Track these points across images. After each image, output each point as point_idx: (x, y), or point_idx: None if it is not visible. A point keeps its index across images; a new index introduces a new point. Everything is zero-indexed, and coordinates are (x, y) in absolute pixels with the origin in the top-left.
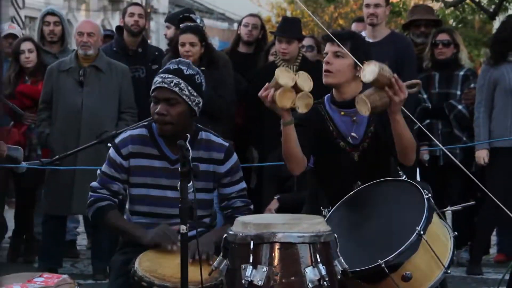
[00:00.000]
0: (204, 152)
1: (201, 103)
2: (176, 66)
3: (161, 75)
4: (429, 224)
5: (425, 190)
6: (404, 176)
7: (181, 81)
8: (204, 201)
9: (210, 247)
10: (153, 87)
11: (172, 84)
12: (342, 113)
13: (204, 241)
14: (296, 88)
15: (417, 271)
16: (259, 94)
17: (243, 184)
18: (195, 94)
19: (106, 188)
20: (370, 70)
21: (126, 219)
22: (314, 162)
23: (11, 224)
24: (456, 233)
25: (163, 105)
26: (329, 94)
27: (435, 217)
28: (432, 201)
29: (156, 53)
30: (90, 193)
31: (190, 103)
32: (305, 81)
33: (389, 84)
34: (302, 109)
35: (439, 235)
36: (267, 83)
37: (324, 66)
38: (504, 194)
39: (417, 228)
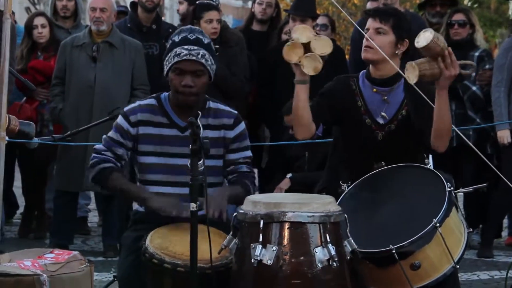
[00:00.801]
0: (214, 119)
1: (215, 69)
2: (194, 36)
3: (185, 46)
4: (446, 218)
5: (448, 183)
6: (430, 165)
7: (205, 52)
8: (215, 167)
9: (223, 204)
10: (177, 59)
11: (199, 56)
12: (374, 90)
13: (216, 197)
14: (308, 48)
15: (427, 262)
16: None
17: (249, 153)
18: (213, 62)
19: (110, 151)
20: (425, 36)
21: (133, 182)
22: (336, 137)
23: (21, 200)
24: (471, 229)
25: (190, 77)
26: (365, 70)
27: (454, 211)
28: (454, 195)
29: (170, 30)
30: (94, 154)
31: (211, 72)
32: (321, 46)
33: (442, 56)
34: (308, 70)
35: (455, 230)
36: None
37: (365, 42)
38: None
39: (434, 219)
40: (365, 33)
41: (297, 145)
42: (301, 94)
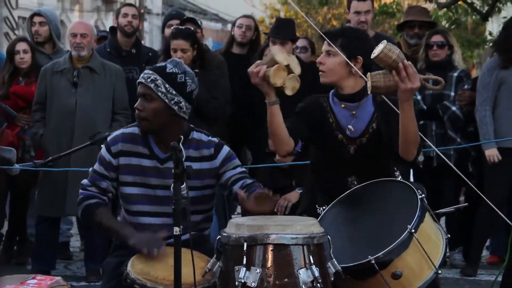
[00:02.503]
0: (194, 151)
1: (182, 103)
2: (162, 64)
3: (145, 71)
4: (421, 223)
5: (419, 191)
6: (400, 177)
7: (158, 78)
8: (201, 197)
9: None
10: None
11: (148, 80)
12: (343, 105)
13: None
14: (288, 70)
15: (408, 270)
16: (249, 69)
17: (243, 169)
18: (174, 92)
19: (95, 186)
20: (377, 48)
21: (115, 218)
22: (311, 156)
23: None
24: (449, 236)
25: (140, 101)
26: (334, 90)
27: (428, 218)
28: (426, 202)
29: (150, 54)
30: (80, 190)
31: (166, 100)
32: (296, 65)
33: (396, 68)
34: (289, 91)
35: (431, 235)
36: (258, 60)
37: (319, 66)
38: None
39: (408, 226)
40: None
41: (281, 176)
42: (277, 113)
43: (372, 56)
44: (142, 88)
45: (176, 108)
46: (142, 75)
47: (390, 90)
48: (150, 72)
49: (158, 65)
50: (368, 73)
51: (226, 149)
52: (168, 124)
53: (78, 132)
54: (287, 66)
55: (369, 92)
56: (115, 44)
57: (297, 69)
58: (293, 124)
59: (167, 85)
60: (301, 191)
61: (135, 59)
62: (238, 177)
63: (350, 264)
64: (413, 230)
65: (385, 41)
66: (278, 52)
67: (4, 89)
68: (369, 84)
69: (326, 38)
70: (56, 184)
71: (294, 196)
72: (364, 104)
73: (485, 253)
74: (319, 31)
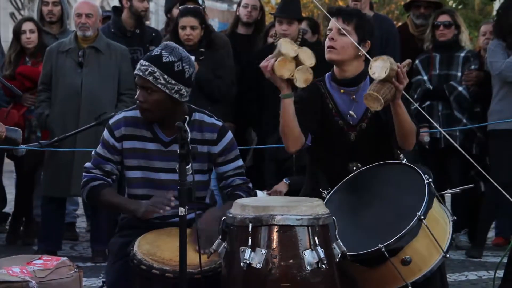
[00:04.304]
0: (197, 133)
1: (184, 90)
2: (158, 52)
3: (141, 61)
4: (429, 209)
5: (426, 175)
6: (405, 159)
7: (156, 70)
8: (199, 182)
9: (215, 231)
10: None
11: (146, 73)
12: (342, 91)
13: (206, 229)
14: (297, 61)
15: (417, 255)
16: (260, 64)
17: (240, 162)
18: (173, 82)
19: (99, 168)
20: (381, 66)
21: (121, 196)
22: (312, 140)
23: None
24: (455, 217)
25: (141, 92)
26: (330, 72)
27: (435, 202)
28: (433, 186)
29: (153, 34)
30: (84, 173)
31: (167, 91)
32: (308, 57)
33: (396, 74)
34: (300, 83)
35: (439, 220)
36: (269, 55)
37: (328, 42)
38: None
39: (417, 213)
40: (328, 33)
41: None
42: (290, 108)
43: (378, 76)
44: (140, 80)
45: (177, 96)
46: (139, 66)
47: (393, 96)
48: (147, 63)
49: (153, 54)
50: (370, 92)
51: (228, 137)
52: (171, 111)
53: (83, 113)
54: (295, 58)
55: (378, 109)
56: (120, 24)
57: (308, 60)
58: (301, 120)
59: (165, 76)
60: (288, 181)
61: (140, 39)
62: (233, 174)
63: (360, 252)
64: (422, 217)
65: (380, 57)
66: (284, 44)
67: (11, 69)
68: (381, 103)
69: (338, 24)
70: (62, 165)
71: (283, 186)
72: (363, 88)
73: (490, 234)
74: (327, 14)
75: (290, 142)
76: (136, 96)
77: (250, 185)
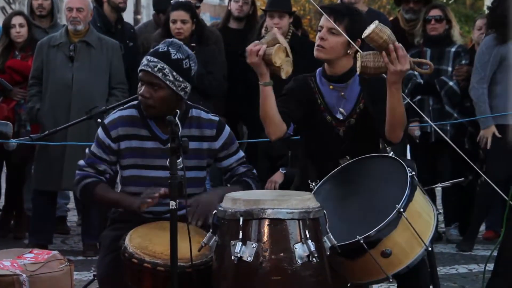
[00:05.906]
0: (196, 130)
1: (188, 87)
2: (165, 49)
3: (148, 57)
4: (410, 202)
5: (409, 168)
6: (392, 153)
7: (165, 66)
8: (196, 179)
9: (211, 209)
10: (139, 67)
11: (156, 69)
12: (331, 87)
13: (204, 204)
14: (286, 53)
15: (397, 248)
16: (248, 47)
17: (241, 153)
18: (181, 79)
19: (92, 167)
20: (369, 28)
21: (115, 191)
22: (302, 135)
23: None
24: (441, 212)
25: (146, 88)
26: (321, 68)
27: (418, 195)
28: (416, 179)
29: (132, 30)
30: (77, 171)
31: (174, 88)
32: (289, 52)
33: (386, 49)
34: (283, 74)
35: (421, 213)
36: (257, 40)
37: (318, 41)
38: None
39: (397, 205)
40: (320, 29)
41: (279, 144)
42: (270, 95)
43: (363, 35)
44: (148, 77)
45: (182, 93)
46: (147, 63)
47: (379, 71)
48: (156, 59)
49: (160, 50)
50: (359, 53)
51: (227, 131)
52: (173, 108)
53: (74, 107)
54: (285, 49)
55: (357, 72)
56: (104, 19)
57: (290, 55)
58: (284, 107)
59: (174, 73)
60: (284, 171)
61: (121, 35)
62: (236, 165)
63: (340, 243)
64: (402, 209)
65: (376, 21)
66: (278, 34)
67: (0, 63)
68: (358, 64)
69: (332, 22)
70: (53, 159)
71: (279, 177)
72: (352, 84)
73: (481, 228)
74: (321, 10)
75: (271, 129)
76: (140, 92)
77: (255, 171)
